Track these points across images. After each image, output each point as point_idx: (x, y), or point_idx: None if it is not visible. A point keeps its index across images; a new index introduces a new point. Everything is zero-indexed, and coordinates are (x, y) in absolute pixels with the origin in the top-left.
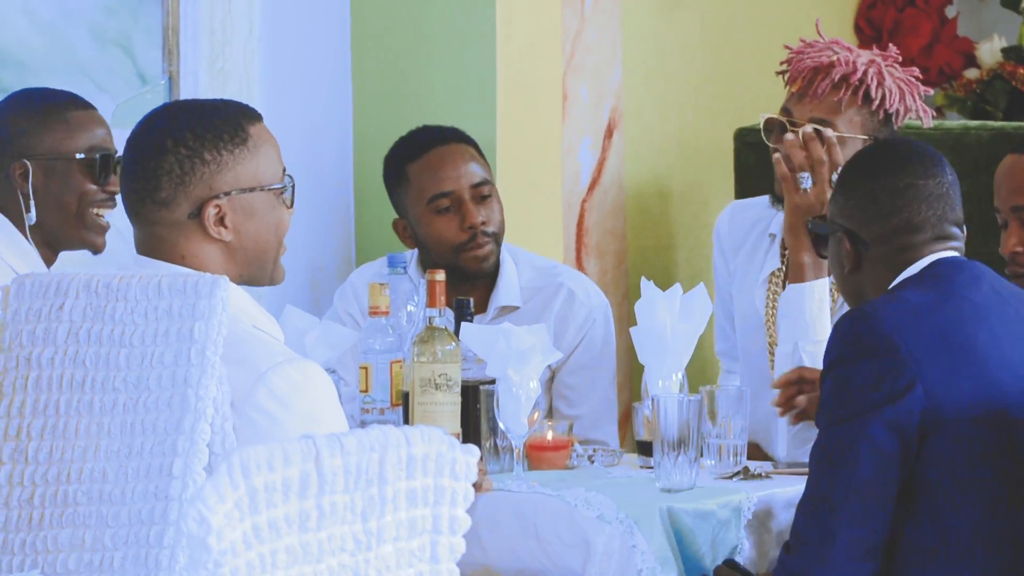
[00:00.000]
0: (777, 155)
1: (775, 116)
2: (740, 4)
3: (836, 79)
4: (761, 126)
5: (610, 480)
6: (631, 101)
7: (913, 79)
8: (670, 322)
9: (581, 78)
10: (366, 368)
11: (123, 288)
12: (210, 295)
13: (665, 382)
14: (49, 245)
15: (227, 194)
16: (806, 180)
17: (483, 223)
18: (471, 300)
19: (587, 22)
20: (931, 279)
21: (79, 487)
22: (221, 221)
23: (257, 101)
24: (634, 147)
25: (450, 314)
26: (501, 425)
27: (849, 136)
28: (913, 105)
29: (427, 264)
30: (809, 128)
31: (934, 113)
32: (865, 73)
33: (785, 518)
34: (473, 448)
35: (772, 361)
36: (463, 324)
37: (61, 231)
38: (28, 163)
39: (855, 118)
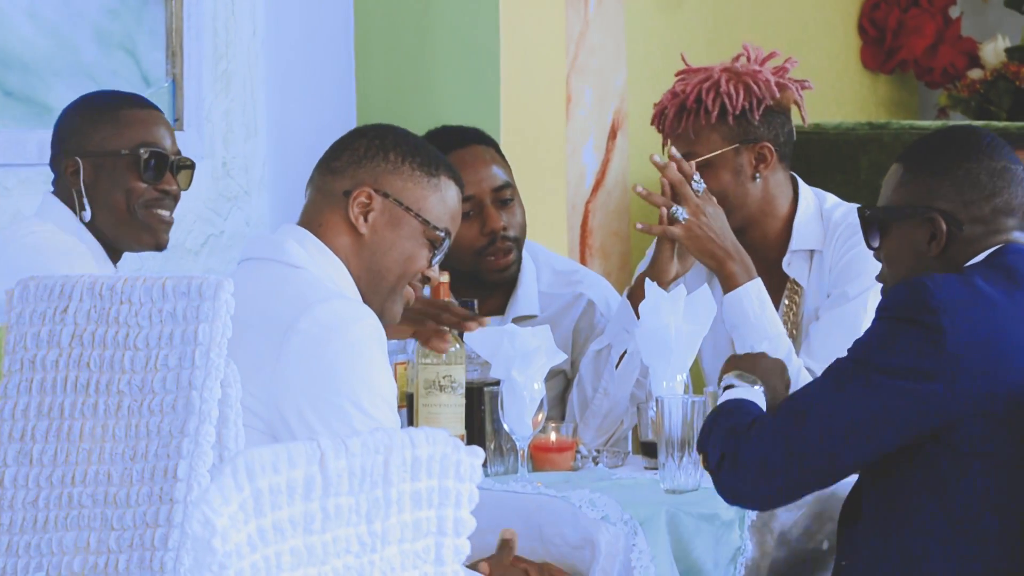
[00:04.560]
0: (641, 191)
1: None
2: (745, 5)
3: (675, 111)
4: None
5: (615, 481)
6: (635, 102)
7: (777, 69)
8: (674, 323)
9: (585, 80)
10: None
11: (127, 290)
12: (214, 297)
13: (669, 383)
14: (109, 246)
15: (385, 195)
16: (682, 212)
17: (504, 228)
18: (475, 301)
19: (590, 24)
20: (1008, 270)
21: (83, 489)
22: (365, 214)
23: (261, 102)
24: (638, 148)
25: None
26: (505, 427)
27: (714, 155)
28: (766, 92)
29: (442, 268)
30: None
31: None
32: (699, 91)
33: (787, 519)
34: (477, 450)
35: None
36: None
37: (115, 232)
38: (79, 160)
39: (711, 136)
